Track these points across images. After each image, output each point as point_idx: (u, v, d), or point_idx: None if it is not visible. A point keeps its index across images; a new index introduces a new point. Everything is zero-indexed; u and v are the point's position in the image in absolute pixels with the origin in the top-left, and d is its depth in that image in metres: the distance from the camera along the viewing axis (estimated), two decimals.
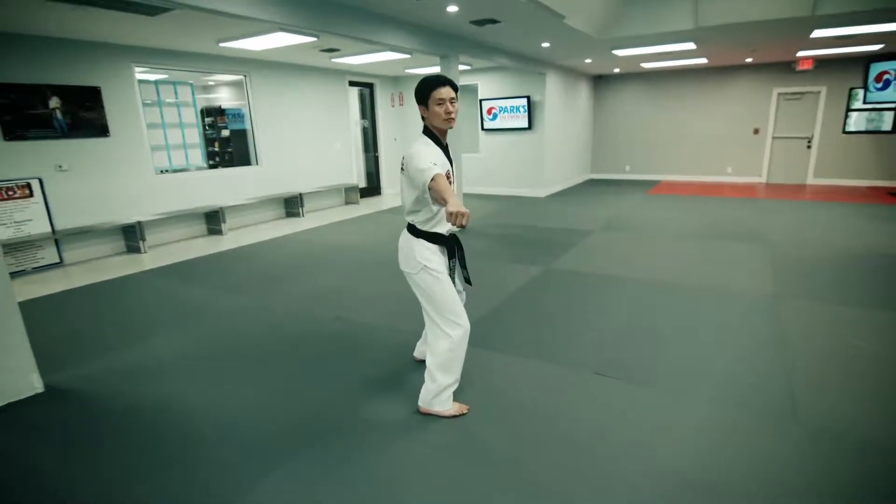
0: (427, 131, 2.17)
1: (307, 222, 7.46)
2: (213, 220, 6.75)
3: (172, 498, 1.87)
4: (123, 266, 5.31)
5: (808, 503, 1.76)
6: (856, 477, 1.89)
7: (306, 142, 8.21)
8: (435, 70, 7.99)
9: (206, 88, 8.96)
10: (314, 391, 2.62)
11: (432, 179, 1.85)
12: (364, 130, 9.94)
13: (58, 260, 5.39)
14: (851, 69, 9.10)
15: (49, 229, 5.27)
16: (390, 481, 1.93)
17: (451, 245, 2.27)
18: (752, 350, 2.98)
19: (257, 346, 3.21)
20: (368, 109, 9.87)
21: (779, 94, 9.82)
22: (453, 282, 2.28)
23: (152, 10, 4.17)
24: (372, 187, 10.08)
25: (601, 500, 1.80)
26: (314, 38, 5.31)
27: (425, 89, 2.08)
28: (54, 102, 5.25)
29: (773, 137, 10.08)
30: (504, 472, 1.96)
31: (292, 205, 7.95)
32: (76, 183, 5.49)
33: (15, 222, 5.09)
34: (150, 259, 5.57)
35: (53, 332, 3.51)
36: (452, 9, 4.57)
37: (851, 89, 9.26)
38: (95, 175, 5.64)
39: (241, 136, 8.01)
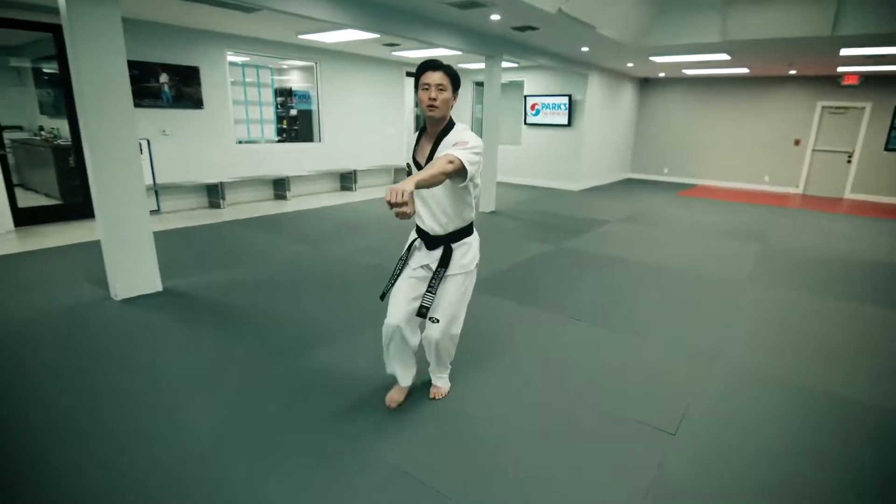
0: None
1: (359, 196, 8.43)
2: (279, 186, 7.83)
3: (254, 346, 2.80)
4: (208, 217, 6.43)
5: (716, 418, 2.49)
6: (765, 402, 2.59)
7: (363, 124, 9.17)
8: (480, 66, 8.73)
9: (279, 71, 10.07)
10: (353, 304, 3.51)
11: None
12: (417, 117, 10.83)
13: (156, 208, 6.57)
14: None
15: (152, 182, 6.45)
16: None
17: (434, 250, 2.12)
18: (704, 316, 3.64)
19: (316, 278, 4.15)
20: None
21: (823, 107, 9.96)
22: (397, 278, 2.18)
23: (249, 9, 5.16)
24: None
25: (556, 397, 2.59)
26: (377, 35, 6.19)
27: (416, 73, 1.96)
28: (163, 78, 6.41)
29: (814, 150, 10.23)
30: (484, 371, 2.77)
31: (347, 180, 8.95)
32: (175, 145, 6.64)
33: None
34: (229, 213, 6.68)
35: (163, 258, 4.58)
36: (495, 17, 5.33)
37: None
38: (190, 140, 6.79)
39: (306, 116, 9.07)
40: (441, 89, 1.91)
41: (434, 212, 2.04)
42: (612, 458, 2.05)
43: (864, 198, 9.90)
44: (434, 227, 2.07)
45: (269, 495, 1.76)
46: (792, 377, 2.77)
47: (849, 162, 9.95)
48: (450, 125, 2.01)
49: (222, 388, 2.47)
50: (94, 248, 4.88)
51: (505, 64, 8.13)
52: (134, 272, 3.56)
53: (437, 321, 2.11)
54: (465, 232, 2.12)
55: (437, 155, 1.94)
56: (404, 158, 2.20)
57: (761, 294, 4.15)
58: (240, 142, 7.67)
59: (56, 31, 5.56)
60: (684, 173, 11.72)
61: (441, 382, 2.45)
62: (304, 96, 9.19)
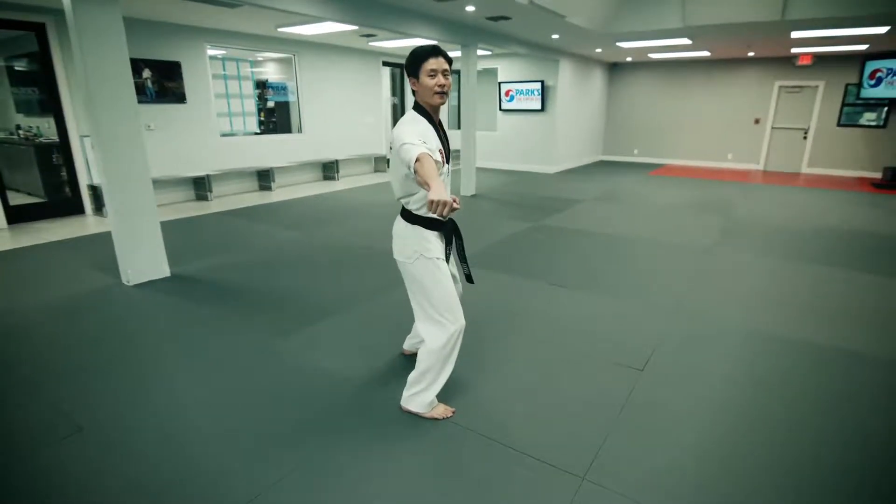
0: (417, 107, 1.97)
1: (341, 185, 8.66)
2: (264, 177, 8.00)
3: (262, 322, 3.08)
4: (197, 209, 6.59)
5: (679, 358, 2.87)
6: (723, 344, 2.99)
7: (343, 114, 9.36)
8: (456, 54, 8.98)
9: (255, 64, 10.14)
10: (349, 282, 3.80)
11: (417, 160, 1.65)
12: (394, 106, 11.05)
13: None
14: (848, 66, 9.76)
15: None
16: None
17: (448, 232, 2.07)
18: (670, 278, 4.04)
19: (311, 261, 4.42)
20: (399, 88, 10.97)
21: (780, 86, 10.53)
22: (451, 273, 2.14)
23: (234, 4, 5.32)
24: None
25: (540, 345, 2.94)
26: (356, 27, 6.40)
27: (417, 60, 1.89)
28: (146, 73, 6.51)
29: (773, 128, 10.81)
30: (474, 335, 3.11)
31: (329, 169, 9.15)
32: (160, 140, 6.76)
33: None
34: (217, 205, 6.85)
35: (166, 247, 4.78)
36: (470, 8, 5.60)
37: (847, 85, 9.92)
38: (174, 135, 6.91)
39: (283, 108, 9.21)
40: (446, 75, 1.90)
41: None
42: (591, 386, 2.42)
43: (819, 171, 10.54)
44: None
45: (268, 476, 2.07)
46: (745, 323, 3.18)
47: (805, 138, 10.55)
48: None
49: (233, 361, 2.75)
50: (92, 240, 5.06)
51: (479, 52, 8.40)
52: (143, 259, 3.78)
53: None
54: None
55: (448, 139, 2.06)
56: (419, 146, 1.71)
57: (724, 257, 4.58)
58: (223, 135, 7.80)
59: (38, 29, 5.63)
60: (654, 154, 12.22)
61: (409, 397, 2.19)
62: (281, 88, 9.32)
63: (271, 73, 10.11)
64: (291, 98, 8.82)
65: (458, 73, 11.72)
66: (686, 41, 7.89)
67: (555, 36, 7.67)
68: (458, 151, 11.38)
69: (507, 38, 7.73)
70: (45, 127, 6.78)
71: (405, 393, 2.17)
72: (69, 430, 2.09)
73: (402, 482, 1.81)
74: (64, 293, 3.58)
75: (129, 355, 2.74)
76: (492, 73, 10.66)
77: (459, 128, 11.87)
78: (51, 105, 5.92)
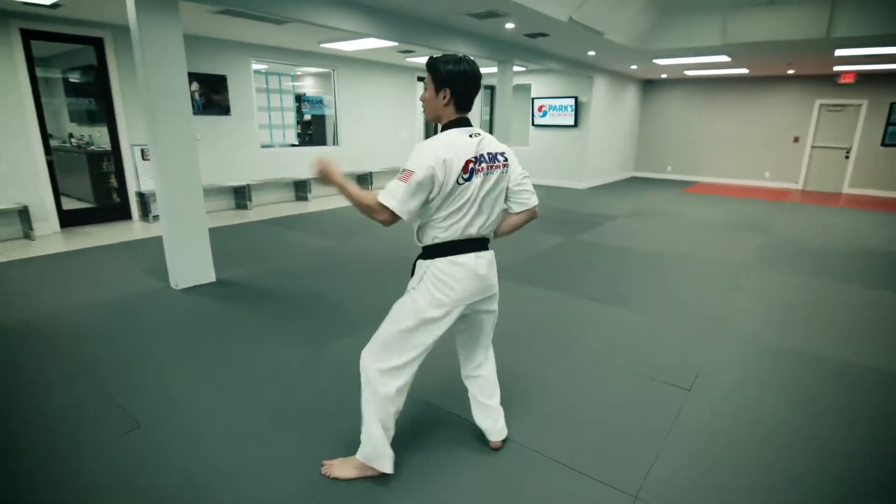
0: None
1: None
2: (301, 188, 8.18)
3: (303, 327, 3.15)
4: (237, 217, 6.78)
5: (726, 377, 2.83)
6: (770, 363, 2.93)
7: (378, 128, 9.54)
8: (492, 70, 9.09)
9: (295, 78, 10.44)
10: (390, 290, 3.85)
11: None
12: (427, 121, 11.19)
13: None
14: (893, 84, 9.50)
15: None
16: None
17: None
18: (709, 294, 3.97)
19: (346, 267, 4.50)
20: None
21: (821, 104, 10.30)
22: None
23: (280, 21, 5.52)
24: None
25: (582, 359, 2.93)
26: (396, 43, 6.55)
27: None
28: (194, 86, 6.77)
29: (813, 146, 10.56)
30: (512, 343, 3.12)
31: (363, 181, 9.30)
32: (204, 150, 6.99)
33: None
34: (255, 214, 7.03)
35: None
36: (510, 25, 5.68)
37: (893, 103, 9.64)
38: (218, 145, 7.15)
39: (319, 121, 9.45)
40: (425, 88, 1.74)
41: None
42: (638, 404, 2.39)
43: (862, 192, 10.23)
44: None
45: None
46: (787, 343, 3.10)
47: (847, 157, 10.27)
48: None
49: (283, 366, 2.81)
50: (139, 245, 5.26)
51: (518, 68, 8.47)
52: (192, 264, 3.91)
53: None
54: (421, 255, 1.83)
55: None
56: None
57: (761, 276, 4.48)
58: (263, 146, 8.03)
59: (97, 43, 5.94)
60: (687, 171, 12.06)
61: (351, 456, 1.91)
62: (318, 101, 9.57)
63: (308, 87, 10.41)
64: (327, 111, 9.05)
65: (491, 88, 11.87)
66: (725, 58, 7.81)
67: (591, 52, 7.69)
68: None
69: (543, 54, 7.79)
70: (97, 136, 7.11)
71: (502, 422, 2.08)
72: (129, 426, 2.17)
73: (459, 497, 1.82)
74: (117, 294, 3.73)
75: (181, 356, 2.83)
76: (525, 88, 10.72)
77: None
78: (105, 115, 6.20)
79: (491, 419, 2.04)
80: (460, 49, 6.24)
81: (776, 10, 6.03)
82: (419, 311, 1.75)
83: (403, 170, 1.60)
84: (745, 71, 9.71)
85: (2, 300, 3.63)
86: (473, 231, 1.74)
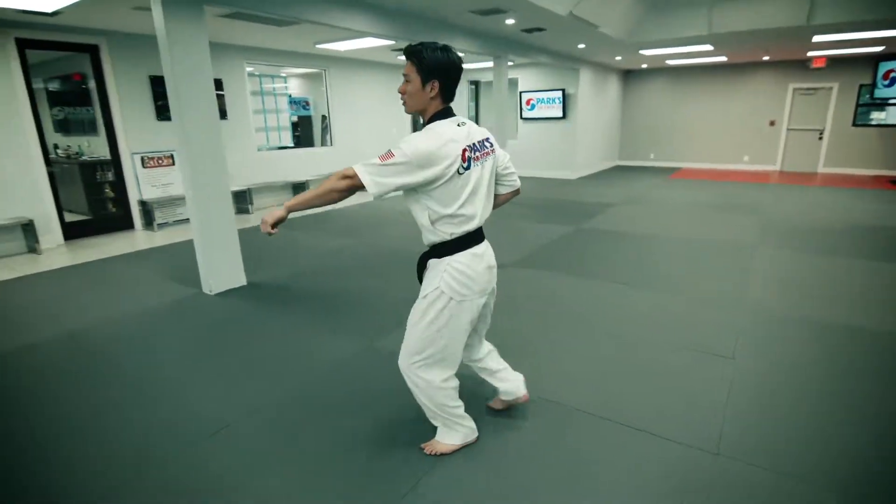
0: None
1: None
2: (300, 190, 8.17)
3: (337, 326, 3.23)
4: (241, 222, 6.74)
5: (763, 344, 3.01)
6: (797, 332, 3.14)
7: (370, 126, 9.56)
8: (480, 66, 9.22)
9: (285, 80, 10.37)
10: (402, 285, 3.94)
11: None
12: (413, 116, 11.25)
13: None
14: (862, 67, 9.98)
15: (183, 192, 6.74)
16: None
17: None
18: (726, 273, 4.19)
19: (370, 264, 4.57)
20: None
21: (794, 89, 10.74)
22: None
23: (282, 23, 5.52)
24: None
25: (623, 339, 3.09)
26: (392, 42, 6.60)
27: None
28: None
29: (788, 129, 11.01)
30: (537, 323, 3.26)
31: None
32: None
33: (162, 184, 6.59)
34: (257, 218, 7.01)
35: None
36: (510, 21, 5.81)
37: (861, 86, 10.13)
38: None
39: (306, 122, 9.44)
40: (406, 80, 1.68)
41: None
42: (690, 373, 2.56)
43: (836, 171, 10.72)
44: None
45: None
46: (815, 314, 3.32)
47: (820, 139, 10.75)
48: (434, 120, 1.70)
49: (345, 360, 2.89)
50: (152, 254, 5.22)
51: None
52: (224, 268, 3.94)
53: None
54: (432, 254, 1.80)
55: None
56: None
57: (768, 254, 4.73)
58: (259, 149, 7.99)
59: (92, 50, 5.83)
60: (670, 158, 12.42)
61: (438, 435, 2.02)
62: (304, 103, 9.55)
63: (293, 88, 10.35)
64: (313, 112, 9.06)
65: (476, 83, 11.99)
66: (708, 47, 8.10)
67: (581, 45, 7.88)
68: None
69: (534, 48, 7.95)
70: (85, 145, 6.97)
71: (517, 373, 2.19)
72: (217, 425, 2.23)
73: (562, 457, 1.95)
74: (155, 303, 3.73)
75: (241, 357, 2.88)
76: (512, 83, 10.87)
77: None
78: (104, 123, 6.10)
79: (510, 378, 2.13)
80: (459, 46, 6.33)
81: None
82: (446, 308, 1.74)
83: (387, 150, 1.60)
84: (723, 59, 10.06)
85: (38, 314, 3.59)
86: (482, 220, 1.75)
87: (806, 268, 4.35)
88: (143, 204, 6.39)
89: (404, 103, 1.70)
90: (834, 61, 10.14)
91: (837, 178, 10.05)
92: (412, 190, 1.68)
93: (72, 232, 5.92)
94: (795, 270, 4.28)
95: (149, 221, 6.38)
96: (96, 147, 6.73)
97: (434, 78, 1.63)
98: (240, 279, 4.05)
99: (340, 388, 2.52)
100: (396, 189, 1.64)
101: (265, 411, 2.33)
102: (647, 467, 1.90)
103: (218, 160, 3.81)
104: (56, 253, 5.37)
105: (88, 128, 6.97)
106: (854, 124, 10.38)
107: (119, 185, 6.33)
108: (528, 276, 4.12)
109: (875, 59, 9.64)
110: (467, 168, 1.66)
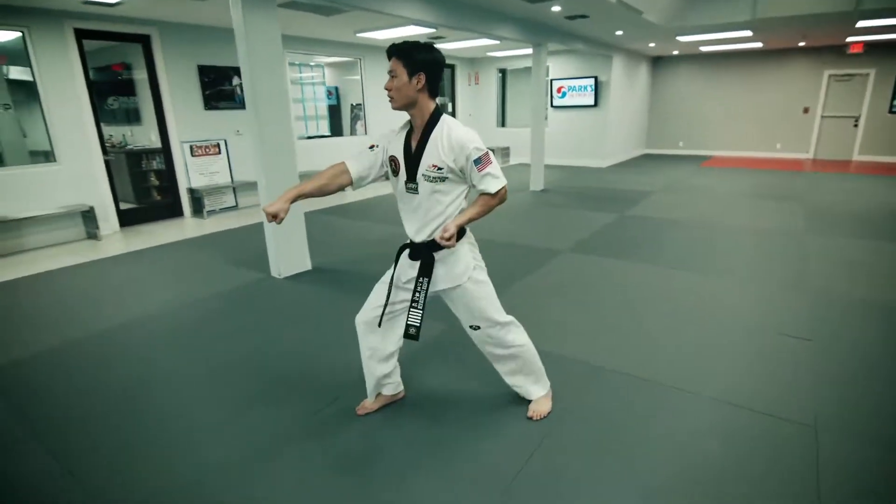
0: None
1: None
2: None
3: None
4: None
5: (838, 325, 3.07)
6: (867, 316, 3.19)
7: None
8: (511, 54, 9.21)
9: (315, 68, 10.44)
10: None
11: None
12: (444, 106, 11.29)
13: (234, 204, 7.00)
14: None
15: (230, 180, 6.89)
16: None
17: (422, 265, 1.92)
18: (782, 258, 4.23)
19: None
20: (448, 88, 11.21)
21: (829, 75, 10.59)
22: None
23: (330, 11, 5.58)
24: None
25: (701, 322, 3.16)
26: (434, 30, 6.64)
27: None
28: (236, 80, 6.81)
29: (822, 116, 10.87)
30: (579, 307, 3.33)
31: None
32: (247, 145, 7.06)
33: (210, 172, 6.73)
34: (303, 206, 7.10)
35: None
36: (556, 8, 5.82)
37: None
38: None
39: (334, 111, 9.53)
40: (392, 76, 1.73)
41: (410, 217, 1.91)
42: (776, 356, 2.63)
43: (871, 158, 10.58)
44: (412, 234, 1.92)
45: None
46: (877, 297, 3.36)
47: (855, 126, 10.60)
48: (434, 117, 1.78)
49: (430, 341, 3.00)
50: (211, 239, 5.37)
51: (527, 50, 8.58)
52: (292, 253, 4.06)
53: (478, 328, 2.01)
54: (436, 246, 1.85)
55: (426, 152, 1.78)
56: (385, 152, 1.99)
57: (821, 241, 4.74)
58: (300, 138, 8.10)
59: (144, 41, 5.95)
60: (699, 146, 12.33)
61: (535, 399, 2.16)
62: (333, 92, 9.65)
63: (328, 77, 10.43)
64: (341, 101, 9.16)
65: (503, 71, 11.97)
66: (747, 33, 8.02)
67: (619, 32, 7.85)
68: (507, 149, 11.61)
69: (572, 35, 7.93)
70: (128, 135, 7.13)
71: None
72: (329, 398, 2.35)
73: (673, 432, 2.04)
74: (228, 286, 3.87)
75: (334, 334, 3.00)
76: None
77: (504, 126, 12.09)
78: (155, 113, 6.23)
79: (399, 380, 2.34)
80: (500, 33, 6.35)
81: None
82: (485, 277, 1.99)
83: (484, 152, 1.75)
84: (759, 45, 9.94)
85: (128, 293, 3.75)
86: None
87: (861, 253, 4.36)
88: (192, 192, 6.54)
89: (391, 99, 1.78)
90: (871, 47, 9.97)
91: (873, 165, 9.93)
92: (463, 176, 1.79)
93: (126, 219, 6.08)
94: (852, 255, 4.30)
95: (198, 209, 6.54)
96: (139, 136, 6.89)
97: (420, 71, 1.72)
98: (305, 264, 4.18)
99: (438, 365, 2.63)
100: None
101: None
102: (749, 444, 1.98)
103: (288, 148, 3.92)
104: (114, 239, 5.54)
105: (133, 117, 7.12)
106: (891, 111, 10.22)
107: (169, 173, 6.48)
108: (581, 262, 4.18)
109: None
110: None
